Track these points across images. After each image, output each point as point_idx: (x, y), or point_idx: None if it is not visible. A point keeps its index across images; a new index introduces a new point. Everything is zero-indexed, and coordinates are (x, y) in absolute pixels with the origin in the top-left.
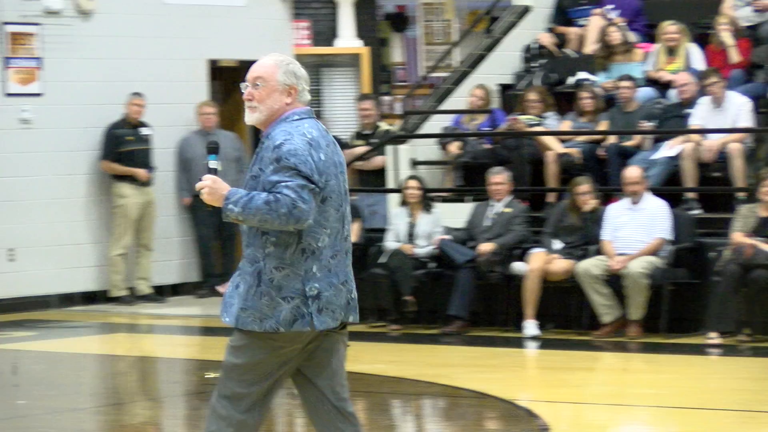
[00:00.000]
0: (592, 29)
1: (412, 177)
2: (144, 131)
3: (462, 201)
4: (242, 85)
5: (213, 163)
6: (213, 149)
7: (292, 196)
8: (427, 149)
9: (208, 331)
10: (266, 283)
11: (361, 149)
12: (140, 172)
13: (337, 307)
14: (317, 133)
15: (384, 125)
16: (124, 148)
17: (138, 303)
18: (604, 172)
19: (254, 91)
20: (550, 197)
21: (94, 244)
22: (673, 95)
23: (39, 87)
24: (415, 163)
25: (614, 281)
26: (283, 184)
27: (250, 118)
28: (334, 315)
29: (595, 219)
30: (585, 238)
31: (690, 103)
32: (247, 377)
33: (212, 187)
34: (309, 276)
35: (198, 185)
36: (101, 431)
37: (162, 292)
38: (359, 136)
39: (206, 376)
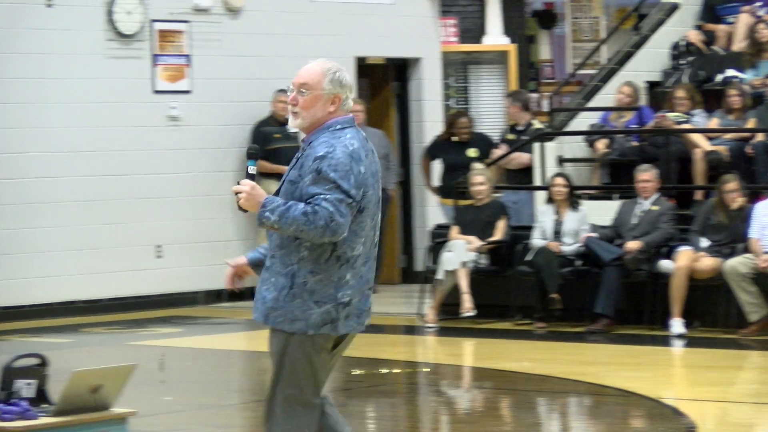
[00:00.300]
0: (740, 26)
1: (559, 174)
2: (292, 130)
3: (609, 198)
4: (288, 89)
5: (252, 169)
6: (253, 155)
7: (330, 210)
8: (575, 146)
9: None
10: (299, 286)
11: (502, 150)
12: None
13: (363, 311)
14: (358, 144)
15: (536, 123)
16: (271, 145)
17: None
18: (752, 170)
19: (299, 97)
20: (698, 195)
21: (241, 240)
22: None
23: (187, 84)
24: (561, 161)
25: (762, 279)
26: (321, 196)
27: (293, 123)
28: (360, 320)
29: (742, 217)
30: (732, 236)
31: None
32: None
33: (250, 193)
34: (342, 283)
35: (234, 189)
36: (246, 427)
37: None
38: (512, 130)
39: (353, 373)
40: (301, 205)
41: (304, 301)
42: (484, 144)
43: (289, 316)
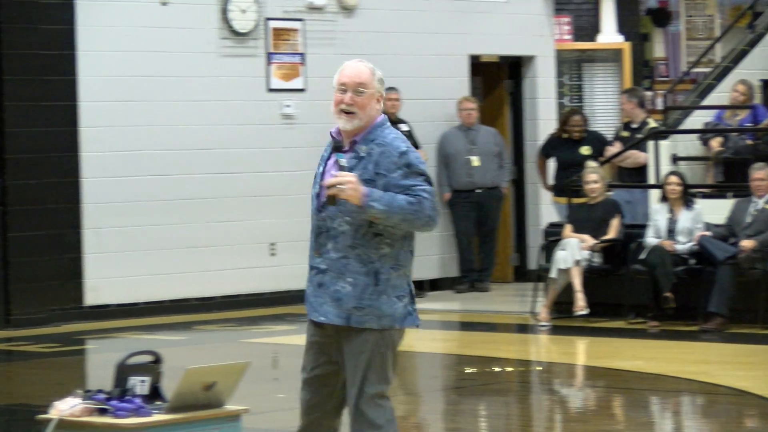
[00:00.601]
0: None
1: (673, 173)
2: (402, 127)
3: (723, 197)
4: (341, 90)
5: (343, 161)
6: (339, 148)
7: (431, 200)
8: (689, 145)
9: (467, 326)
10: (384, 282)
11: (616, 148)
12: None
13: None
14: None
15: (651, 121)
16: None
17: None
18: None
19: (356, 97)
20: None
21: None
22: None
23: (301, 82)
24: (676, 159)
25: None
26: (419, 188)
27: (350, 124)
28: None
29: None
30: None
31: None
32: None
33: (355, 184)
34: (410, 277)
35: (332, 181)
36: None
37: (421, 287)
38: (626, 128)
39: (466, 371)
40: (402, 196)
41: (389, 297)
42: (597, 142)
43: (376, 314)
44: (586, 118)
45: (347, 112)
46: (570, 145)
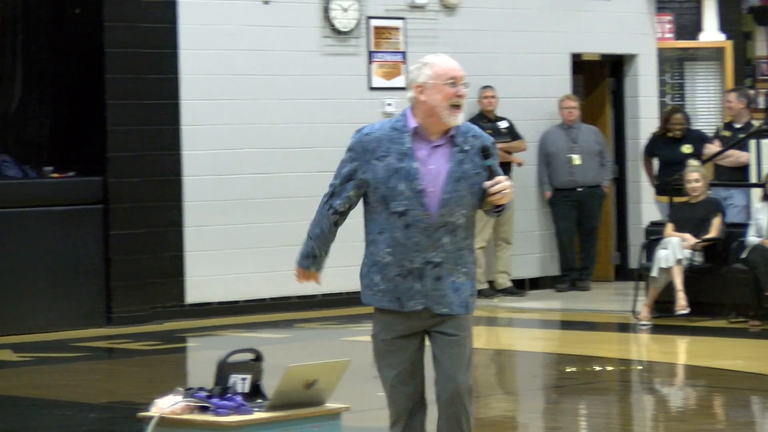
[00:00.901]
0: None
1: None
2: (502, 124)
3: None
4: (451, 84)
5: (496, 165)
6: (488, 152)
7: None
8: None
9: (567, 325)
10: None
11: (717, 146)
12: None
13: None
14: None
15: (756, 122)
16: None
17: (498, 296)
18: None
19: (465, 90)
20: None
21: None
22: None
23: (402, 81)
24: None
25: None
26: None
27: (461, 118)
28: None
29: None
30: None
31: None
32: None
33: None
34: None
35: (501, 186)
36: None
37: (521, 286)
38: (727, 127)
39: (566, 371)
40: None
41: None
42: (698, 140)
43: (475, 299)
44: (687, 117)
45: (457, 106)
46: (672, 143)
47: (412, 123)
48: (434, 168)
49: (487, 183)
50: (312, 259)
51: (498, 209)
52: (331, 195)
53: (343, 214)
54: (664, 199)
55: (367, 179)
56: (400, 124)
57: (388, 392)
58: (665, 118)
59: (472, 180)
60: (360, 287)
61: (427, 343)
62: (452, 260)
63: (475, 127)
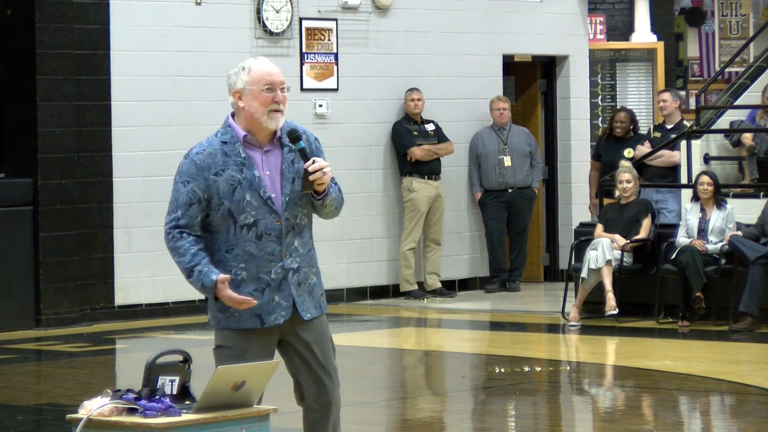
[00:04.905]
0: None
1: (704, 173)
2: (429, 126)
3: (755, 197)
4: (270, 90)
5: (305, 148)
6: (297, 138)
7: None
8: (720, 144)
9: (497, 325)
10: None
11: (647, 148)
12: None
13: None
14: None
15: (687, 122)
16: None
17: (427, 297)
18: None
19: (285, 95)
20: None
21: (386, 238)
22: None
23: (334, 82)
24: (707, 159)
25: None
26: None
27: (281, 122)
28: None
29: None
30: None
31: None
32: None
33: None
34: None
35: (319, 165)
36: (391, 425)
37: (451, 287)
38: (658, 128)
39: (496, 371)
40: (332, 184)
41: None
42: (637, 144)
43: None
44: (633, 116)
45: (278, 111)
46: (615, 145)
47: (240, 132)
48: (270, 173)
49: (306, 164)
50: (209, 279)
51: (319, 196)
52: (175, 227)
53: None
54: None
55: (209, 197)
56: (227, 137)
57: None
58: (611, 117)
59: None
60: (209, 312)
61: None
62: (306, 263)
63: (297, 124)
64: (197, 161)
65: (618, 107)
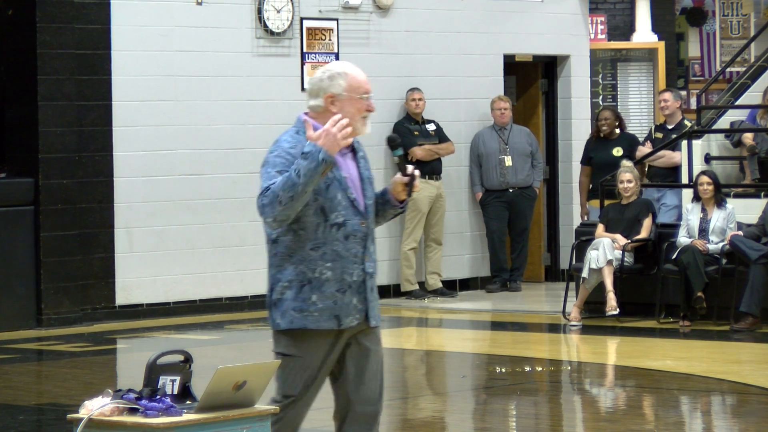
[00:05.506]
0: None
1: (704, 173)
2: (430, 126)
3: (756, 196)
4: (369, 96)
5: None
6: (397, 145)
7: None
8: (721, 144)
9: (498, 325)
10: None
11: (648, 148)
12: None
13: None
14: None
15: (688, 122)
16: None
17: (428, 297)
18: None
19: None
20: None
21: (387, 238)
22: None
23: None
24: (708, 159)
25: None
26: None
27: (369, 126)
28: None
29: None
30: None
31: None
32: None
33: None
34: None
35: (417, 173)
36: (389, 425)
37: (452, 287)
38: (659, 128)
39: (497, 371)
40: None
41: None
42: (628, 143)
43: None
44: (618, 115)
45: (365, 117)
46: (604, 146)
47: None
48: (349, 176)
49: (408, 170)
50: (308, 150)
51: (403, 204)
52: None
53: None
54: (596, 203)
55: None
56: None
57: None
58: (596, 118)
59: (373, 185)
60: (280, 311)
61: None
62: (376, 270)
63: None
64: (294, 154)
65: (601, 107)
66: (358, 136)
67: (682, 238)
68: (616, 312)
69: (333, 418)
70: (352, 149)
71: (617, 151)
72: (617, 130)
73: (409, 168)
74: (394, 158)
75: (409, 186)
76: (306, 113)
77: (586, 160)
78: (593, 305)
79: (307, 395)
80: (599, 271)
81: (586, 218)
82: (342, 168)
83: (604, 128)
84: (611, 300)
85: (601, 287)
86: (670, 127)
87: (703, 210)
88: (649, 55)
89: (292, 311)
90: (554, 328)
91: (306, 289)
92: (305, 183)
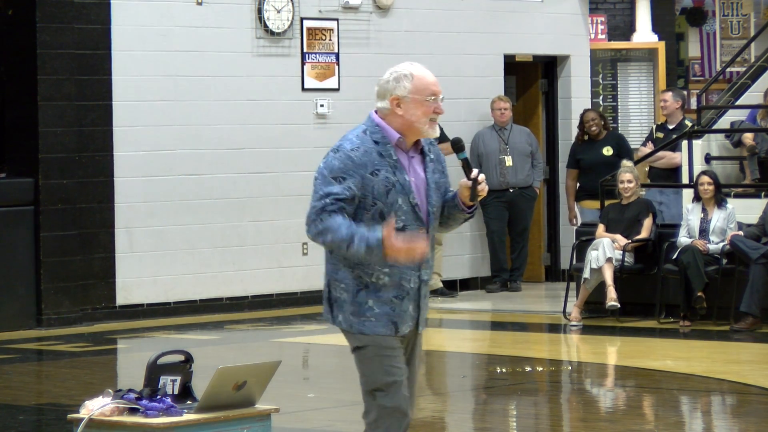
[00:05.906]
0: None
1: (704, 173)
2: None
3: (756, 196)
4: (433, 99)
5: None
6: (461, 148)
7: None
8: (721, 144)
9: (498, 325)
10: None
11: (649, 149)
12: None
13: None
14: None
15: (687, 122)
16: None
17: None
18: None
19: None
20: None
21: None
22: None
23: (335, 82)
24: (709, 159)
25: None
26: None
27: (437, 128)
28: None
29: None
30: None
31: None
32: None
33: None
34: None
35: (482, 177)
36: None
37: (452, 287)
38: (660, 128)
39: (497, 371)
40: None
41: None
42: (616, 141)
43: None
44: (602, 115)
45: (434, 119)
46: (591, 146)
47: (394, 134)
48: (414, 180)
49: (473, 174)
50: (374, 237)
51: (470, 209)
52: (323, 210)
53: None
54: (589, 204)
55: (363, 196)
56: (378, 136)
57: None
58: (579, 122)
59: (442, 190)
60: (340, 310)
61: None
62: (430, 277)
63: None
64: (354, 158)
65: (583, 110)
66: (425, 137)
67: (683, 238)
68: (616, 305)
69: (363, 417)
70: (421, 151)
71: (607, 150)
72: (603, 130)
73: (474, 171)
74: (460, 161)
75: (472, 189)
76: (375, 112)
77: (573, 163)
78: (594, 305)
79: (399, 378)
80: (599, 270)
81: (575, 221)
82: (408, 171)
83: (593, 129)
84: (611, 292)
85: (601, 287)
86: (671, 126)
87: (704, 210)
88: (649, 55)
89: (350, 315)
90: (554, 328)
91: (362, 294)
92: (347, 255)
